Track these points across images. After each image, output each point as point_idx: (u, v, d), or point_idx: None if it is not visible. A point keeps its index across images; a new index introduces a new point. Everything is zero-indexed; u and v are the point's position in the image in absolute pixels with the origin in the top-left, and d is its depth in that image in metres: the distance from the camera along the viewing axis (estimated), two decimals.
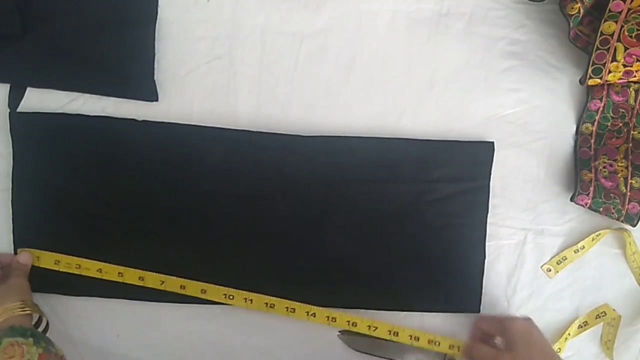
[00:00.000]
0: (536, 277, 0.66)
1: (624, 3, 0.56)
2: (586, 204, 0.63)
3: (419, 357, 0.63)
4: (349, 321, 0.62)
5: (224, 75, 0.62)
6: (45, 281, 0.61)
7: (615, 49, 0.58)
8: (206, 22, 0.62)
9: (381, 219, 0.62)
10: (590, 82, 0.60)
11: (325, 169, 0.62)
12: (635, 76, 0.59)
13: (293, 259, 0.62)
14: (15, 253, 0.61)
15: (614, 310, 0.66)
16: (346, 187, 0.62)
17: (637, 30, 0.56)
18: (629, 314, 0.66)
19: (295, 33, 0.62)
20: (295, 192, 0.62)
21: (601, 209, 0.63)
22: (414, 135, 0.63)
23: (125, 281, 0.60)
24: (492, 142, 0.63)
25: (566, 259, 0.65)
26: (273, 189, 0.62)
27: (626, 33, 0.57)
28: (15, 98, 0.61)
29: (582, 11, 0.57)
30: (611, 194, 0.63)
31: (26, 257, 0.60)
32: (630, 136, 0.63)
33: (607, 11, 0.57)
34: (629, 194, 0.62)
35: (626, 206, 0.62)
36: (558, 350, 0.65)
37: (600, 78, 0.60)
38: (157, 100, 0.61)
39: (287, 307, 0.61)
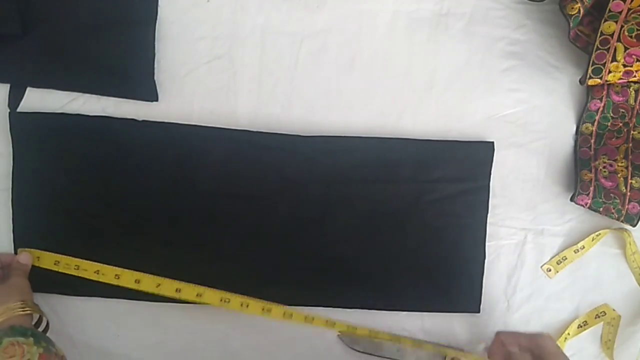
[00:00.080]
0: (536, 277, 0.66)
1: (624, 3, 0.56)
2: (586, 204, 0.63)
3: (419, 356, 0.63)
4: (348, 326, 0.62)
5: (224, 75, 0.62)
6: (45, 281, 0.61)
7: (615, 49, 0.58)
8: (206, 22, 0.62)
9: (381, 219, 0.62)
10: (590, 82, 0.60)
11: (325, 169, 0.62)
12: (635, 76, 0.59)
13: (293, 259, 0.62)
14: (16, 253, 0.61)
15: (614, 310, 0.66)
16: (346, 187, 0.62)
17: (637, 30, 0.56)
18: (629, 314, 0.66)
19: (295, 33, 0.62)
20: (295, 192, 0.62)
21: (601, 209, 0.63)
22: (413, 135, 0.63)
23: (121, 284, 0.60)
24: (492, 142, 0.63)
25: (566, 259, 0.65)
26: (273, 189, 0.62)
27: (626, 33, 0.57)
28: (15, 98, 0.61)
29: (582, 11, 0.57)
30: (611, 194, 0.63)
31: (26, 257, 0.60)
32: (630, 136, 0.63)
33: (607, 11, 0.57)
34: (629, 194, 0.62)
35: (626, 206, 0.62)
36: None
37: (600, 78, 0.60)
38: (157, 100, 0.61)
39: (284, 312, 0.61)
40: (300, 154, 0.61)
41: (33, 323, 0.56)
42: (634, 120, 0.63)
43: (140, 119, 0.61)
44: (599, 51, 0.58)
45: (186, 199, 0.61)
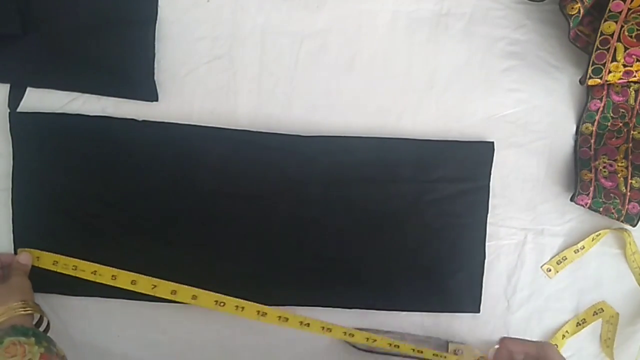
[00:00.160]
0: (536, 277, 0.66)
1: (624, 3, 0.56)
2: (586, 204, 0.63)
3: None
4: (345, 332, 0.61)
5: (224, 75, 0.62)
6: (45, 281, 0.60)
7: (615, 49, 0.58)
8: (206, 22, 0.62)
9: (381, 219, 0.62)
10: (590, 82, 0.60)
11: (325, 169, 0.62)
12: (635, 76, 0.59)
13: (293, 259, 0.62)
14: (16, 253, 0.61)
15: (612, 307, 0.66)
16: (346, 187, 0.62)
17: (637, 30, 0.56)
18: (629, 314, 0.66)
19: (295, 33, 0.62)
20: (295, 192, 0.62)
21: (601, 209, 0.63)
22: (413, 135, 0.63)
23: (117, 285, 0.59)
24: (492, 142, 0.63)
25: (566, 259, 0.65)
26: (273, 189, 0.62)
27: (626, 33, 0.57)
28: (15, 98, 0.61)
29: (582, 11, 0.57)
30: (611, 194, 0.63)
31: (26, 257, 0.59)
32: (630, 136, 0.63)
33: (607, 11, 0.57)
34: (629, 194, 0.62)
35: (626, 206, 0.62)
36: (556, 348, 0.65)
37: (600, 78, 0.60)
38: (157, 100, 0.61)
39: (279, 317, 0.60)
40: (300, 154, 0.61)
41: (34, 323, 0.56)
42: (634, 120, 0.63)
43: (140, 119, 0.61)
44: (599, 51, 0.58)
45: (186, 198, 0.61)
